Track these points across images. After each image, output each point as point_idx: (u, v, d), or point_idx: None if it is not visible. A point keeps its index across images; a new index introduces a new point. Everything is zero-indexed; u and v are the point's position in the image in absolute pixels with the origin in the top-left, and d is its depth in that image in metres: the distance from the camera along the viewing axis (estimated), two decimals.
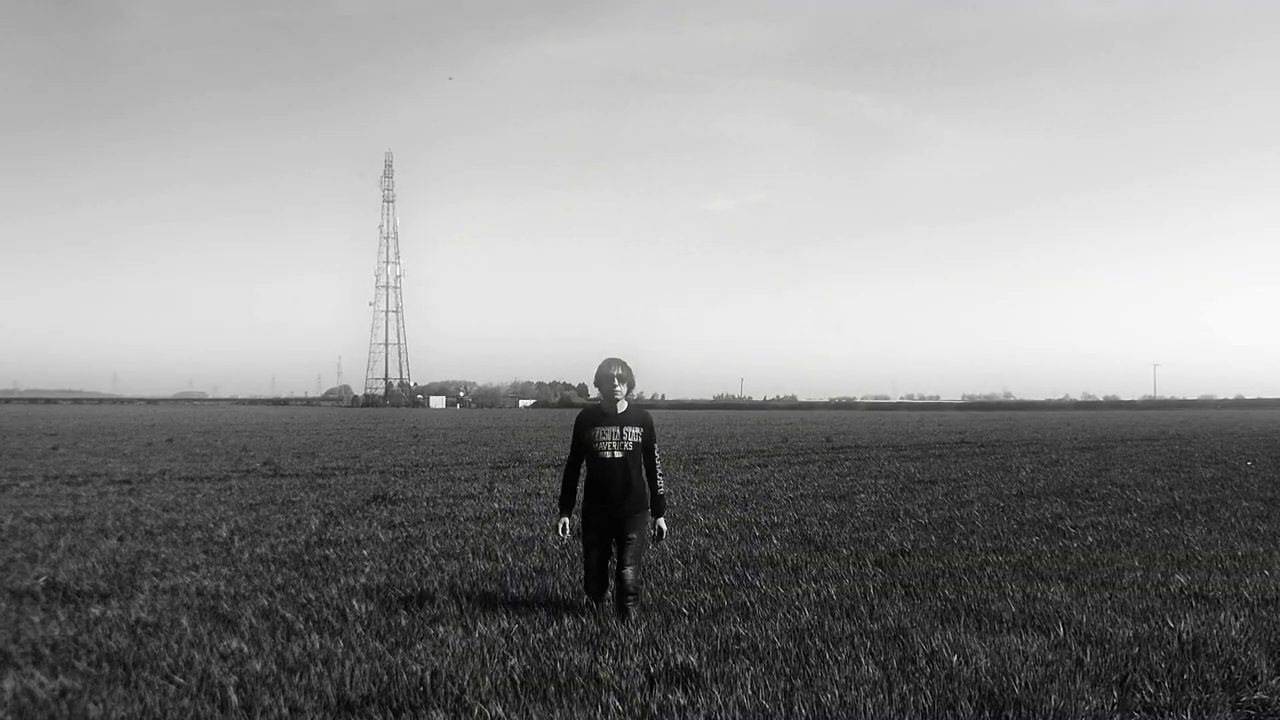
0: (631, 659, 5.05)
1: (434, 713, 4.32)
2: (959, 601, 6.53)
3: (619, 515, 5.96)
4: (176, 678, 4.82)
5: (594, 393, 6.35)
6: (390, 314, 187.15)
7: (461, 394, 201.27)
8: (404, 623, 5.97)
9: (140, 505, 12.25)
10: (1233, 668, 4.93)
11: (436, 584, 7.17)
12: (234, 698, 4.51)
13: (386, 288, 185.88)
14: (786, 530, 10.06)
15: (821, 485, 15.18)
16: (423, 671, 4.86)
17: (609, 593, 6.18)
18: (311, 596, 6.74)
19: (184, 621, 6.00)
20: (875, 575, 7.56)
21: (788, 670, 4.94)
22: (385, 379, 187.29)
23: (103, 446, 26.68)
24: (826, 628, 5.80)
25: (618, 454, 5.96)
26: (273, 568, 7.90)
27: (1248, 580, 7.23)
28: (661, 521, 6.26)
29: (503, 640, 5.53)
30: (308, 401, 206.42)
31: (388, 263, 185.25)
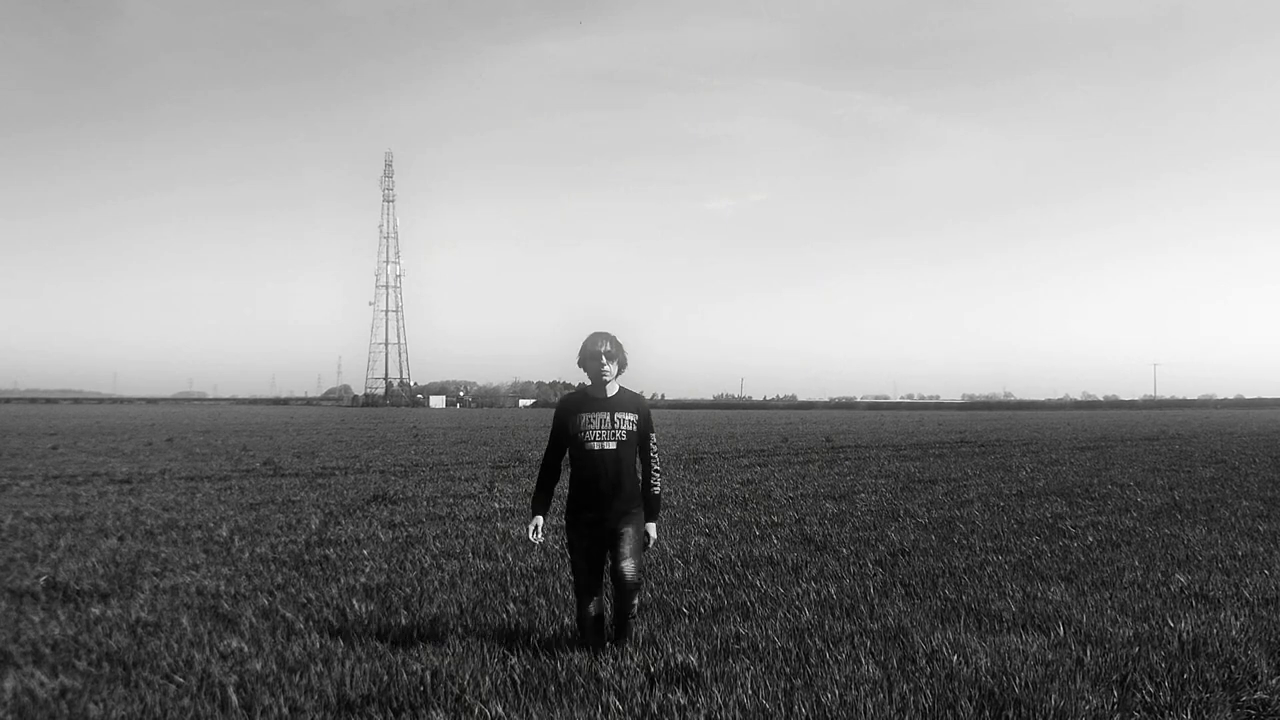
0: (631, 659, 5.04)
1: (434, 713, 4.32)
2: (959, 601, 6.53)
3: (609, 517, 4.99)
4: (176, 677, 4.82)
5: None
6: (390, 314, 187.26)
7: (461, 394, 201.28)
8: (404, 622, 5.97)
9: (140, 505, 12.25)
10: (1233, 667, 4.93)
11: (436, 584, 7.18)
12: (234, 697, 4.51)
13: (386, 287, 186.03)
14: (786, 530, 10.06)
15: (821, 485, 15.18)
16: (423, 671, 4.86)
17: (607, 626, 5.29)
18: (311, 596, 6.74)
19: (184, 621, 6.00)
20: (875, 575, 7.55)
21: (788, 670, 4.93)
22: (385, 379, 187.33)
23: (103, 446, 26.68)
24: (826, 627, 5.80)
25: (608, 444, 4.95)
26: (273, 567, 7.90)
27: (1248, 580, 7.23)
28: (652, 528, 5.18)
29: (503, 640, 5.53)
30: (308, 401, 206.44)
31: (388, 262, 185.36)
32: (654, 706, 4.34)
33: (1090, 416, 78.06)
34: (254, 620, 6.02)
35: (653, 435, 5.21)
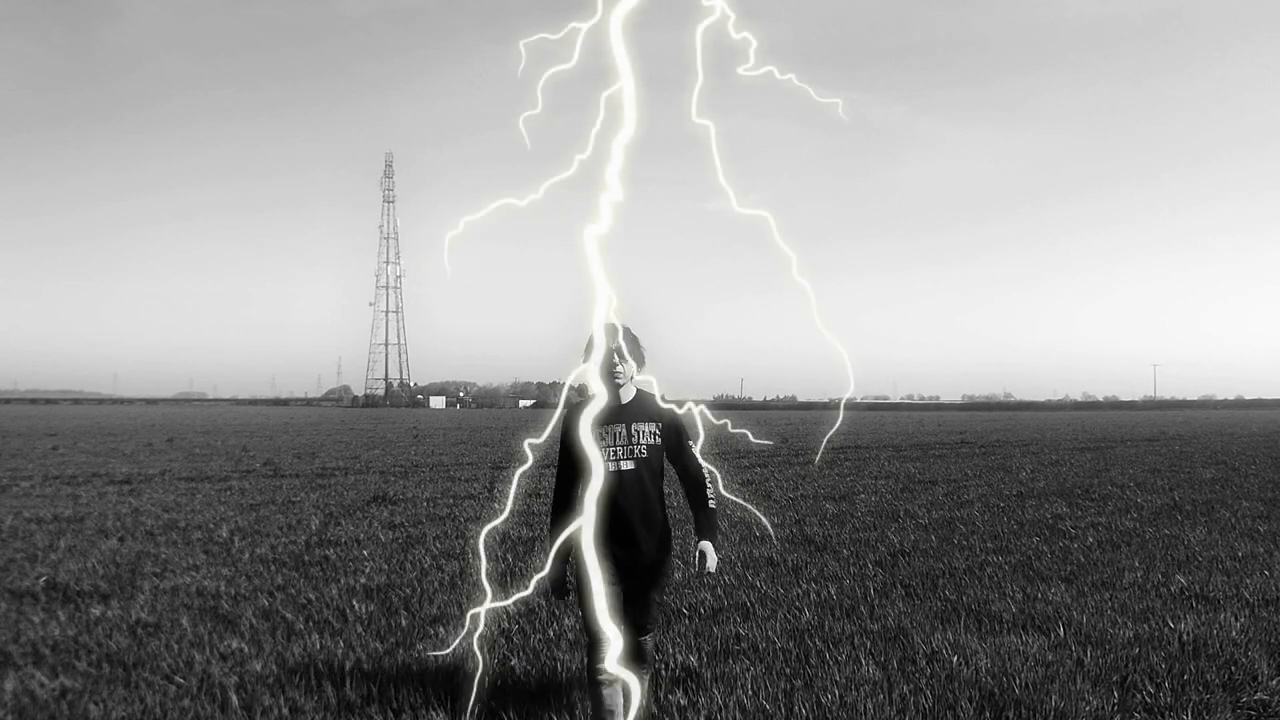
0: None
1: (434, 713, 4.32)
2: (959, 602, 6.53)
3: (637, 561, 3.86)
4: (177, 678, 4.82)
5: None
6: (390, 314, 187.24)
7: (461, 394, 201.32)
8: (404, 623, 5.97)
9: (140, 505, 12.25)
10: (1233, 668, 4.93)
11: (437, 584, 7.17)
12: (234, 698, 4.51)
13: (386, 288, 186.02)
14: (786, 530, 10.06)
15: (821, 485, 15.18)
16: (423, 672, 4.86)
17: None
18: (312, 597, 6.73)
19: (184, 622, 6.00)
20: (875, 575, 7.55)
21: (788, 670, 4.93)
22: (385, 379, 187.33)
23: (103, 447, 26.68)
24: (826, 628, 5.80)
25: (626, 464, 3.82)
26: (273, 568, 7.90)
27: (1248, 581, 7.22)
28: (708, 547, 3.91)
29: (503, 640, 5.53)
30: (308, 402, 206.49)
31: (388, 263, 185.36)
32: (654, 707, 4.34)
33: (1090, 417, 78.04)
34: (254, 621, 6.02)
35: (690, 442, 4.02)
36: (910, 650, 5.29)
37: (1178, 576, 7.39)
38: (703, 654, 5.19)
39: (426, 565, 7.99)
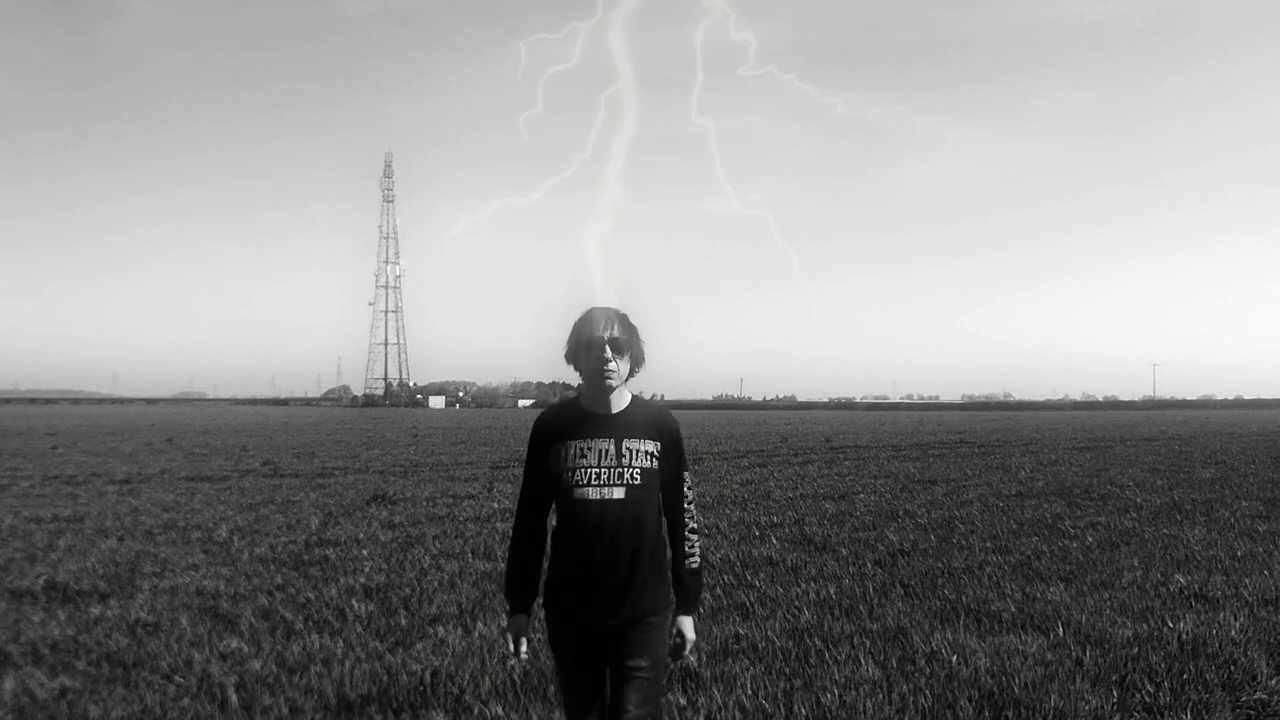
0: None
1: (434, 713, 4.32)
2: (959, 601, 6.53)
3: (617, 620, 2.94)
4: (176, 677, 4.82)
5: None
6: (390, 314, 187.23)
7: (461, 394, 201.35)
8: (404, 622, 5.97)
9: (140, 505, 12.25)
10: (1232, 668, 4.93)
11: (436, 584, 7.17)
12: (234, 698, 4.51)
13: (386, 288, 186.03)
14: (786, 530, 10.05)
15: (821, 485, 15.18)
16: (422, 671, 4.86)
17: None
18: (311, 596, 6.73)
19: (184, 621, 6.00)
20: (875, 575, 7.55)
21: (787, 670, 4.94)
22: (385, 379, 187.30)
23: (102, 446, 26.67)
24: (826, 628, 5.80)
25: (613, 493, 2.93)
26: (272, 568, 7.90)
27: (1247, 580, 7.23)
28: (688, 625, 3.07)
29: (503, 640, 5.53)
30: (307, 401, 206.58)
31: (387, 263, 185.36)
32: None
33: (1090, 417, 78.04)
34: (253, 620, 6.02)
35: (687, 474, 3.10)
36: (910, 650, 5.29)
37: (1177, 576, 7.39)
38: (702, 654, 5.19)
39: (426, 565, 7.99)
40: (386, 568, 7.89)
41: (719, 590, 6.94)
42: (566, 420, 2.98)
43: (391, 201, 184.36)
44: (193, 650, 5.30)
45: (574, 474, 2.90)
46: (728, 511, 11.73)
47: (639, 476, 2.93)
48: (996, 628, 5.83)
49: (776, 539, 9.42)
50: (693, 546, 3.07)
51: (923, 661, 5.07)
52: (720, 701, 4.40)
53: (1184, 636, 5.48)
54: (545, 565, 3.04)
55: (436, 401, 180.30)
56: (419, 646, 5.41)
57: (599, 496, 2.90)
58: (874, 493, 13.96)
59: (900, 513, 11.51)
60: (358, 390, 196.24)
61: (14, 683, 4.74)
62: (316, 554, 8.55)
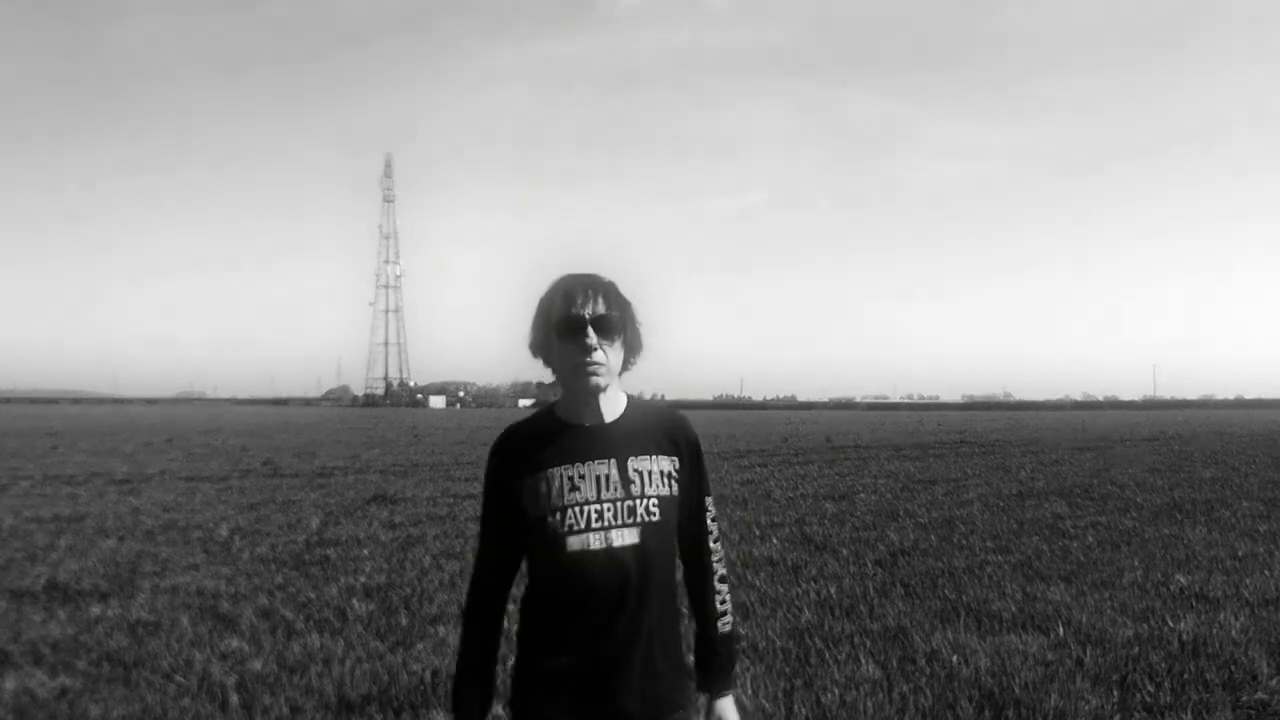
0: None
1: (434, 713, 4.32)
2: (959, 601, 6.53)
3: (627, 715, 1.99)
4: (176, 677, 4.82)
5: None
6: (390, 314, 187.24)
7: (461, 394, 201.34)
8: (404, 622, 5.97)
9: (140, 505, 12.25)
10: (1233, 668, 4.93)
11: (436, 584, 7.17)
12: (234, 697, 4.51)
13: (386, 288, 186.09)
14: (786, 530, 10.05)
15: (822, 485, 15.17)
16: (423, 671, 4.86)
17: None
18: (311, 596, 6.73)
19: (184, 621, 6.00)
20: (875, 575, 7.55)
21: (788, 670, 4.93)
22: (385, 379, 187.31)
23: (103, 446, 26.67)
24: (826, 627, 5.80)
25: (624, 536, 1.98)
26: (273, 567, 7.90)
27: (1248, 580, 7.22)
28: (730, 712, 2.25)
29: (503, 640, 5.52)
30: (307, 402, 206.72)
31: (387, 263, 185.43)
32: None
33: (1090, 417, 78.00)
34: (254, 620, 6.02)
35: (710, 501, 2.20)
36: (910, 649, 5.29)
37: (1177, 576, 7.39)
38: None
39: (426, 565, 7.99)
40: (387, 567, 7.89)
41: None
42: (542, 439, 2.01)
43: (392, 201, 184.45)
44: (193, 650, 5.30)
45: (565, 515, 1.93)
46: (729, 511, 11.72)
47: (656, 509, 1.99)
48: (997, 627, 5.82)
49: (777, 539, 9.42)
50: (724, 601, 2.19)
51: (923, 661, 5.07)
52: None
53: (1185, 636, 5.48)
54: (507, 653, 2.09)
55: (437, 401, 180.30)
56: (419, 646, 5.41)
57: (604, 544, 1.93)
58: (874, 492, 13.96)
59: (901, 512, 11.51)
60: (358, 390, 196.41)
61: (14, 682, 4.74)
62: (317, 554, 8.55)
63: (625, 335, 2.02)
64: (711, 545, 2.17)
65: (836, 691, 4.54)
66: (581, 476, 1.99)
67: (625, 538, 1.97)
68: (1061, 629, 5.72)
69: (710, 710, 2.21)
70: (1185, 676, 4.77)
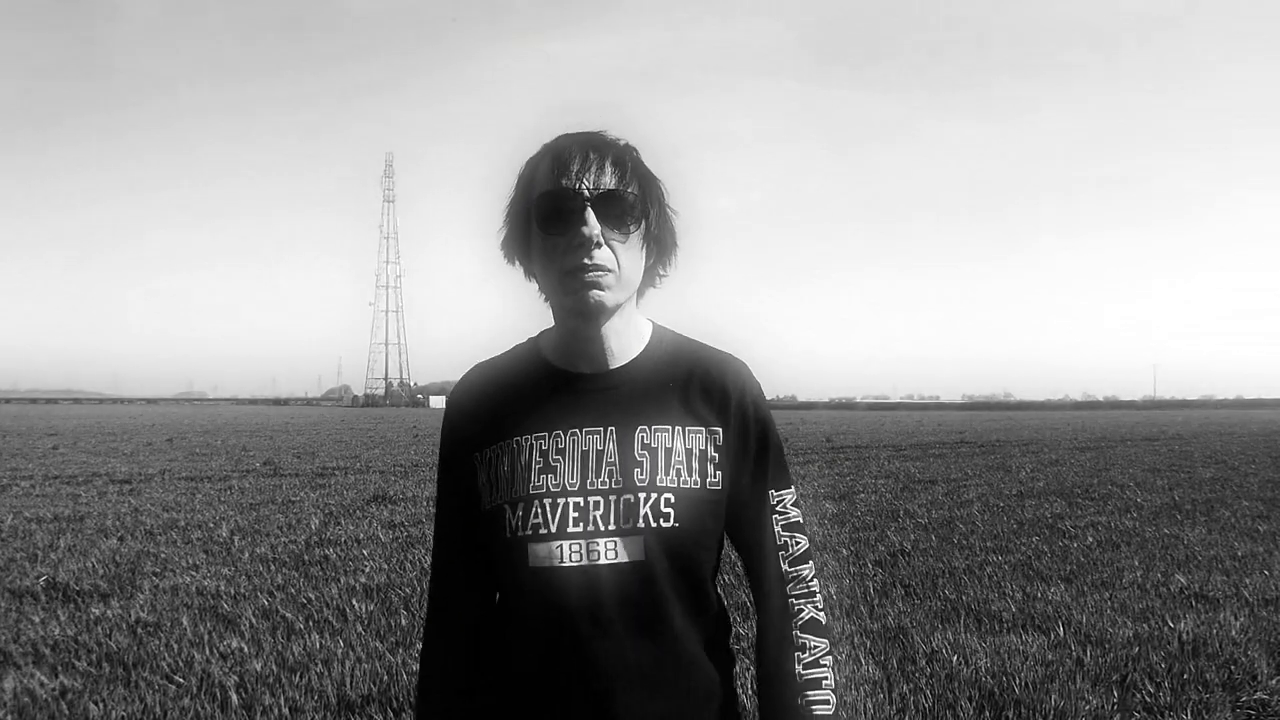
0: None
1: None
2: (959, 601, 6.53)
3: None
4: (177, 677, 4.83)
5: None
6: (390, 314, 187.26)
7: None
8: (404, 622, 5.97)
9: (140, 505, 12.25)
10: (1233, 668, 4.93)
11: None
12: (234, 697, 4.51)
13: (386, 288, 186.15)
14: None
15: (822, 485, 15.18)
16: None
17: None
18: (312, 596, 6.74)
19: (184, 621, 6.00)
20: (875, 575, 7.56)
21: None
22: (385, 379, 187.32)
23: (103, 446, 26.68)
24: None
25: (609, 552, 1.22)
26: (273, 567, 7.90)
27: (1248, 580, 7.23)
28: None
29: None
30: (308, 401, 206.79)
31: (388, 263, 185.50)
32: None
33: (1090, 417, 78.02)
34: (254, 620, 6.02)
35: (782, 496, 1.40)
36: (910, 650, 5.29)
37: (1177, 576, 7.39)
38: None
39: (426, 565, 7.99)
40: (387, 567, 7.89)
41: (718, 590, 6.93)
42: (513, 390, 1.34)
43: (392, 201, 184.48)
44: (193, 650, 5.31)
45: (529, 510, 1.25)
46: None
47: (672, 511, 1.26)
48: (997, 628, 5.83)
49: None
50: (815, 664, 1.31)
51: (923, 661, 5.07)
52: None
53: (1184, 636, 5.49)
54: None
55: (437, 401, 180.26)
56: (420, 646, 5.41)
57: (583, 560, 1.23)
58: (874, 492, 13.96)
59: (901, 512, 11.51)
60: (358, 390, 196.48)
61: (15, 682, 4.74)
62: (317, 554, 8.56)
63: (649, 227, 1.28)
64: (786, 569, 1.35)
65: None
66: (560, 452, 1.25)
67: (616, 552, 1.21)
68: (1061, 629, 5.73)
69: None
70: (1185, 676, 4.77)
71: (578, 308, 1.25)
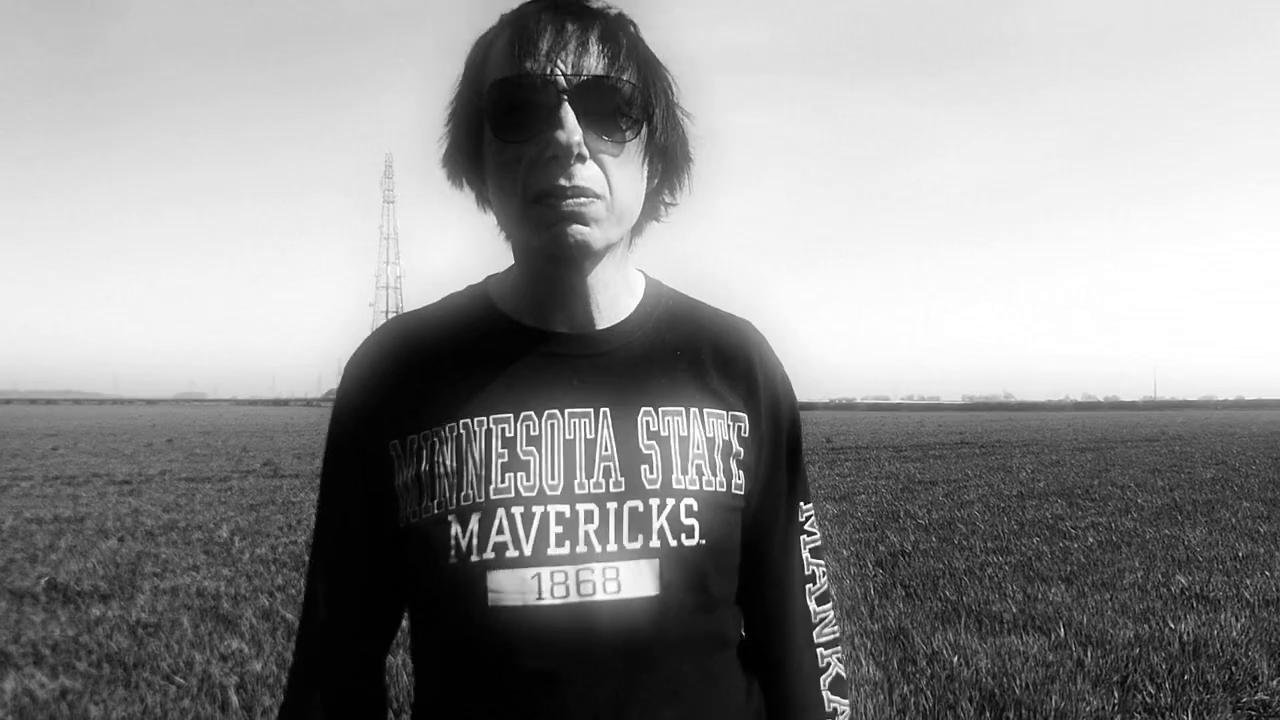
0: None
1: None
2: (959, 602, 6.53)
3: None
4: (177, 678, 4.83)
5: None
6: (390, 315, 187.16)
7: None
8: (404, 623, 5.97)
9: (140, 505, 12.25)
10: (1234, 669, 4.93)
11: None
12: (235, 698, 4.51)
13: (386, 288, 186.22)
14: None
15: (822, 486, 15.17)
16: None
17: None
18: None
19: (184, 622, 6.00)
20: (875, 575, 7.55)
21: None
22: None
23: (103, 447, 26.68)
24: None
25: (615, 583, 0.81)
26: (273, 568, 7.90)
27: (1248, 581, 7.22)
28: None
29: None
30: (308, 402, 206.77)
31: (388, 264, 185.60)
32: None
33: (1090, 417, 77.98)
34: (254, 621, 6.02)
35: (807, 510, 1.03)
36: (910, 650, 5.29)
37: (1178, 577, 7.39)
38: None
39: None
40: None
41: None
42: (449, 357, 0.93)
43: (392, 202, 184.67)
44: (194, 651, 5.30)
45: (484, 525, 0.84)
46: None
47: (698, 522, 0.87)
48: (998, 628, 5.83)
49: None
50: (835, 711, 1.02)
51: (924, 662, 5.07)
52: None
53: (1185, 637, 5.48)
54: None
55: None
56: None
57: (571, 596, 0.82)
58: (875, 493, 13.96)
59: (901, 513, 11.51)
60: None
61: (15, 683, 4.74)
62: None
63: (652, 132, 0.89)
64: (815, 609, 1.02)
65: None
66: (532, 440, 0.87)
67: (619, 583, 0.83)
68: (1062, 630, 5.72)
69: None
70: (1186, 677, 4.77)
71: (550, 249, 0.84)
